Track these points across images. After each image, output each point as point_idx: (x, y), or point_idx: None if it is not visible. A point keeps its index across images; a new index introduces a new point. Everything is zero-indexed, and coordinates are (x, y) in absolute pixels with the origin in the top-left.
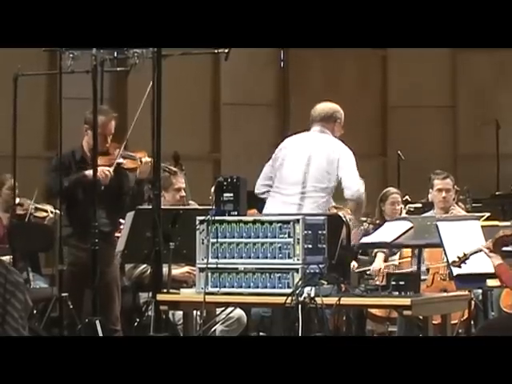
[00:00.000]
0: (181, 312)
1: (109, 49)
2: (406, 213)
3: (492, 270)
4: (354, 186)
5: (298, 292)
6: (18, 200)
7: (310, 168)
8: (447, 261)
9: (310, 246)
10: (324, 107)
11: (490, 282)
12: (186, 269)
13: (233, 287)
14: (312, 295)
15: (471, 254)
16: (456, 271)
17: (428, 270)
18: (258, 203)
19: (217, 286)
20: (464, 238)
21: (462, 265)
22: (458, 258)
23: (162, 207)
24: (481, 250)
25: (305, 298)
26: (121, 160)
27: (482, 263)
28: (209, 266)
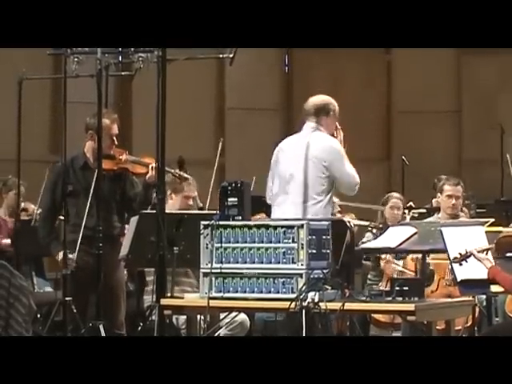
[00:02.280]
0: (184, 316)
1: (115, 50)
2: (410, 219)
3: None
4: (353, 185)
5: (301, 297)
6: (22, 205)
7: (307, 178)
8: (451, 267)
9: (314, 251)
10: (316, 100)
11: (494, 288)
12: None
13: (237, 292)
14: (316, 300)
15: (473, 253)
16: (460, 276)
17: (433, 274)
18: (266, 207)
19: (221, 291)
20: (468, 244)
21: (464, 267)
22: (460, 254)
23: (167, 211)
24: (485, 251)
25: (309, 303)
26: (127, 165)
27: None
28: (213, 270)
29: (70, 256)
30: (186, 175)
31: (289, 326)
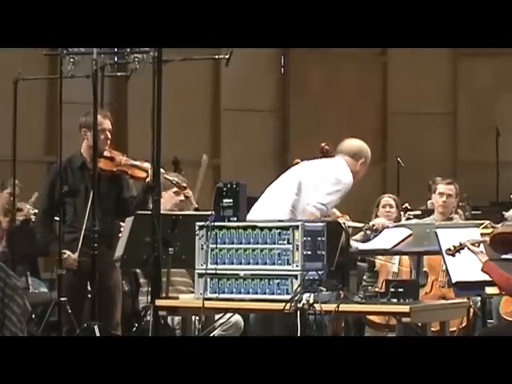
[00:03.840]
0: (179, 317)
1: (111, 51)
2: (406, 220)
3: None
4: (316, 205)
5: (296, 298)
6: (17, 205)
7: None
8: (446, 268)
9: (309, 252)
10: (351, 144)
11: (489, 290)
12: None
13: (232, 293)
14: (311, 301)
15: (466, 246)
16: (455, 278)
17: (427, 276)
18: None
19: (216, 292)
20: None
21: (459, 268)
22: (454, 246)
23: (162, 212)
24: (477, 243)
25: (304, 304)
26: (126, 168)
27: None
28: (208, 271)
29: (73, 256)
30: (184, 184)
31: (280, 326)
